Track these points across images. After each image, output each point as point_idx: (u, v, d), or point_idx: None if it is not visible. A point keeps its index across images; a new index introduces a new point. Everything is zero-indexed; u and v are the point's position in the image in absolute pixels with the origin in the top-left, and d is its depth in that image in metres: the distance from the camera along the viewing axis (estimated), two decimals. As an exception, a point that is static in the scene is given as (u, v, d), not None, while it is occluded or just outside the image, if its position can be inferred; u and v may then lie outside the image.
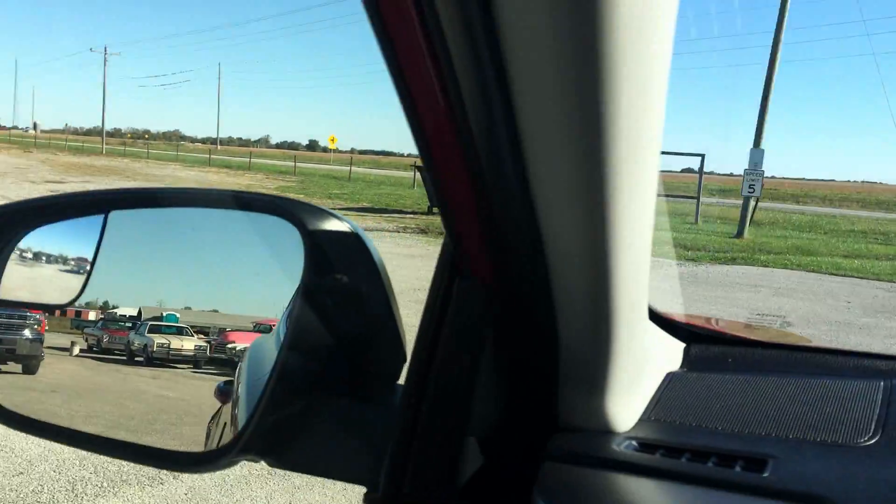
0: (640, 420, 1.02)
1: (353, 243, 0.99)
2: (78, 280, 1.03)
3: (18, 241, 1.04)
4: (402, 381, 1.04)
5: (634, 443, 0.96)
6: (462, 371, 0.91)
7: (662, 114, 0.75)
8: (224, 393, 1.03)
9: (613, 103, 0.67)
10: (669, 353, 1.25)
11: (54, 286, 1.04)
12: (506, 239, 0.84)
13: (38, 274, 1.07)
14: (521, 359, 0.95)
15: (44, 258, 1.06)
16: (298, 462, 1.00)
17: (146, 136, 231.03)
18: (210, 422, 1.03)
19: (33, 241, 1.04)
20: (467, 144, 0.76)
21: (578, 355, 0.91)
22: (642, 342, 0.98)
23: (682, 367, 1.25)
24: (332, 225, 0.99)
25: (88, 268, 1.01)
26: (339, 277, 0.98)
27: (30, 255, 1.05)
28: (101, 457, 4.38)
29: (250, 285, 1.03)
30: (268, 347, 1.00)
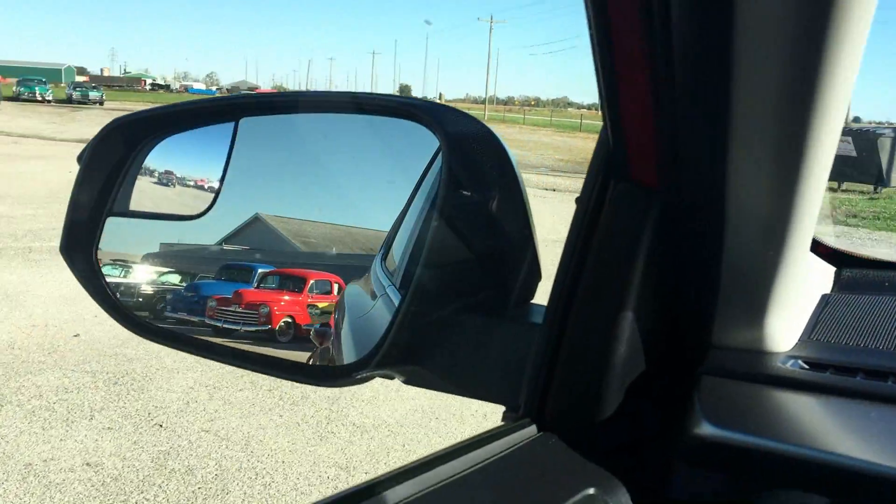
0: (800, 340, 0.97)
1: (494, 153, 0.94)
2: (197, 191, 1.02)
3: (149, 150, 1.04)
4: (535, 301, 1.01)
5: (800, 361, 0.90)
6: (614, 282, 0.86)
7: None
8: (321, 334, 1.01)
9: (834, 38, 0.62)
10: (821, 276, 1.20)
11: (183, 196, 1.03)
12: (681, 142, 0.77)
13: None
14: (679, 272, 0.89)
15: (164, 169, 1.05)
16: (433, 379, 0.96)
17: (532, 102, 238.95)
18: (307, 363, 1.01)
19: (164, 150, 1.03)
20: (658, 33, 0.70)
21: (742, 272, 0.85)
22: (804, 267, 0.92)
23: (833, 289, 1.19)
24: (474, 133, 0.93)
25: (220, 176, 0.99)
26: (478, 191, 0.92)
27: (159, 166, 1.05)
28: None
29: (381, 195, 0.97)
30: (363, 289, 0.99)
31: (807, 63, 0.65)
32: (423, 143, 0.91)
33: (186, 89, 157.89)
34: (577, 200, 0.90)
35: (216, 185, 1.04)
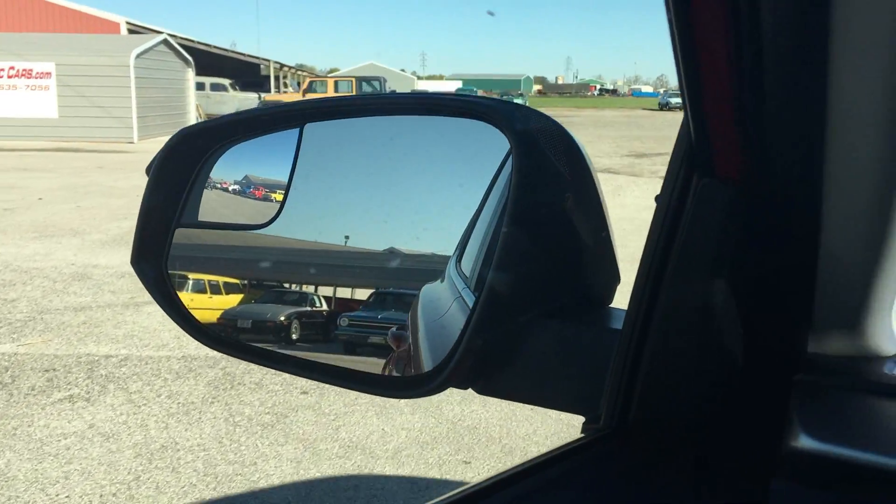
0: None
1: (567, 150, 0.89)
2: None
3: (216, 159, 1.03)
4: (614, 304, 0.97)
5: None
6: (700, 283, 0.80)
7: None
8: (398, 338, 0.98)
9: None
10: None
11: (249, 206, 1.02)
12: (769, 134, 0.71)
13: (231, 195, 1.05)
14: (770, 274, 0.82)
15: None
16: (508, 389, 0.92)
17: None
18: (383, 370, 0.99)
19: (230, 158, 1.03)
20: (745, 24, 0.64)
21: (841, 273, 0.78)
22: None
23: None
24: (544, 129, 0.89)
25: (286, 184, 0.98)
26: (551, 191, 0.88)
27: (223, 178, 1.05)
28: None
29: (451, 198, 0.94)
30: (439, 291, 0.95)
31: None
32: (495, 144, 0.88)
33: (632, 93, 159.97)
34: (657, 198, 0.85)
35: (236, 187, 1.04)
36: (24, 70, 28.44)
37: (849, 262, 0.78)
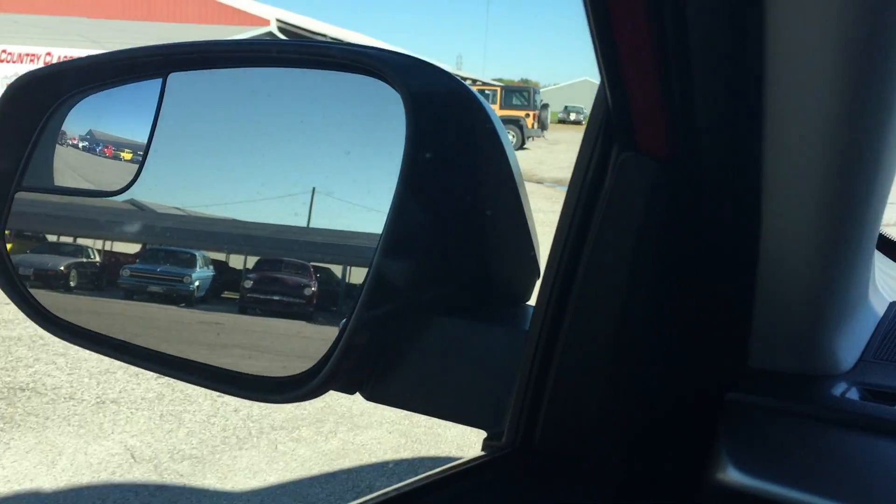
0: (861, 361, 0.77)
1: (474, 115, 0.76)
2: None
3: (66, 113, 0.87)
4: (532, 301, 0.82)
5: (859, 389, 0.71)
6: (620, 276, 0.67)
7: None
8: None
9: None
10: (891, 280, 0.99)
11: (107, 168, 0.87)
12: (698, 105, 0.59)
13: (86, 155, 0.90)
14: (704, 270, 0.69)
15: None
16: (400, 396, 0.79)
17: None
18: None
19: (85, 109, 0.87)
20: None
21: (786, 271, 0.66)
22: (869, 266, 0.74)
23: None
24: (446, 90, 0.75)
25: (146, 143, 0.82)
26: (453, 162, 0.74)
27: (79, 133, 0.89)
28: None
29: (339, 168, 0.79)
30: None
31: None
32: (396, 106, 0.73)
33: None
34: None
35: (84, 143, 0.91)
36: (107, 58, 27.73)
37: (792, 269, 0.66)
